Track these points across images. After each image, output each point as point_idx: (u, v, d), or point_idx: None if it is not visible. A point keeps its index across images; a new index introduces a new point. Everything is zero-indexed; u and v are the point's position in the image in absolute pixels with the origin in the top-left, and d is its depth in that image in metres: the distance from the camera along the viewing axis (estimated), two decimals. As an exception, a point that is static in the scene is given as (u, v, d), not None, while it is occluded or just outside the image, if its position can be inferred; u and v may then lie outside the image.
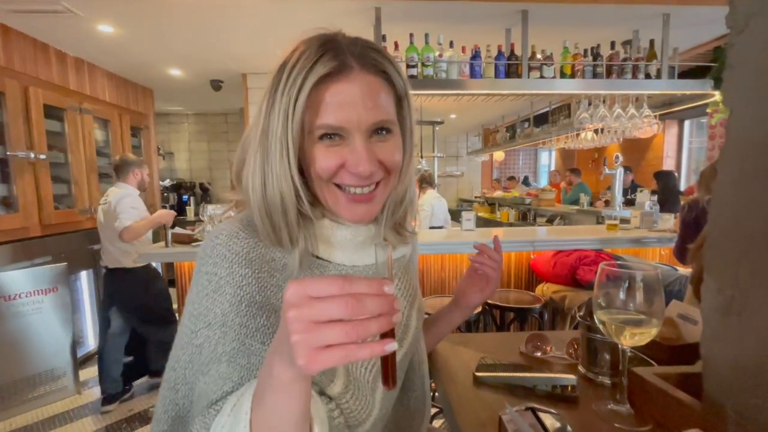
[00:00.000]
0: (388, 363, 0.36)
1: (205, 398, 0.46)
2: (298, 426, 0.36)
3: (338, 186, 0.51)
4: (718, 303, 0.50)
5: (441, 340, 0.79)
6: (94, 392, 2.50)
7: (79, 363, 2.67)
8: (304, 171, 0.51)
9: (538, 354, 0.77)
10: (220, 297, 0.48)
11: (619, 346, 0.54)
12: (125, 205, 2.19)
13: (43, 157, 2.47)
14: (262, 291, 0.49)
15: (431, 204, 3.27)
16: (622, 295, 0.53)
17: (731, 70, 0.50)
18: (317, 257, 0.54)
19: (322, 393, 0.48)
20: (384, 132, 0.50)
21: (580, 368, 0.70)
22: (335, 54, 0.47)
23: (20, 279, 2.26)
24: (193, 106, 5.20)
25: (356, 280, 0.30)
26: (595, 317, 0.55)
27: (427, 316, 0.78)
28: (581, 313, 0.69)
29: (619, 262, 2.04)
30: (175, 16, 2.34)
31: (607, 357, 0.66)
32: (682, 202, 1.95)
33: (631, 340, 0.52)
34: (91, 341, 2.97)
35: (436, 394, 1.62)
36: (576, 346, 0.75)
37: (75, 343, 2.51)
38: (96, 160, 3.00)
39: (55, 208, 2.61)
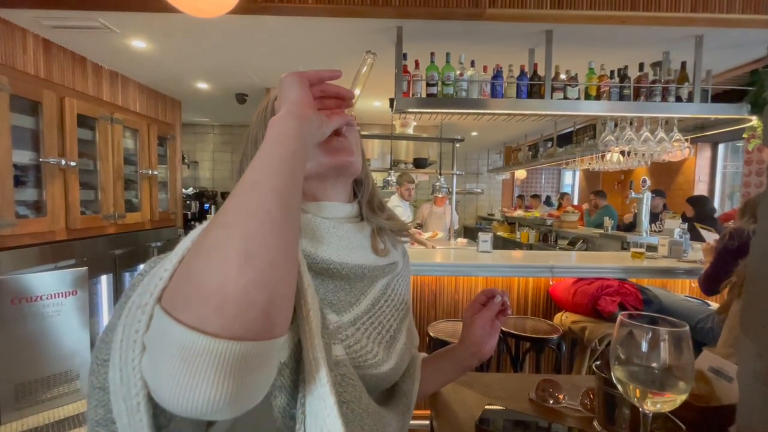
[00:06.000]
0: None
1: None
2: (292, 148, 0.39)
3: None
4: (758, 370, 0.44)
5: (446, 383, 0.72)
6: (105, 397, 2.53)
7: (94, 366, 2.72)
8: None
9: (550, 402, 0.71)
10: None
11: (640, 409, 0.48)
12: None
13: (73, 164, 2.57)
14: None
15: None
16: (643, 353, 0.47)
17: (773, 108, 0.45)
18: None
19: None
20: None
21: (596, 425, 0.63)
22: None
23: (43, 281, 2.31)
24: (218, 118, 5.37)
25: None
26: (612, 374, 0.50)
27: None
28: (597, 363, 0.63)
29: (643, 297, 1.93)
30: (204, 33, 2.42)
31: (627, 414, 0.60)
32: (726, 229, 1.82)
33: (653, 407, 0.46)
34: (106, 344, 3.02)
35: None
36: (592, 396, 0.68)
37: (91, 347, 2.56)
38: (123, 168, 3.11)
39: (81, 213, 2.70)
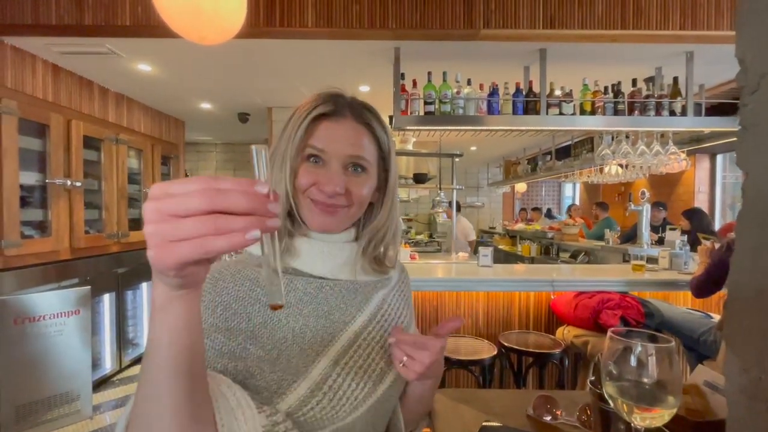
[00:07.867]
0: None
1: None
2: (178, 348, 0.33)
3: (311, 200, 0.58)
4: (743, 384, 0.45)
5: (420, 401, 0.67)
6: (106, 417, 2.50)
7: (94, 386, 2.70)
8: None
9: (548, 418, 0.71)
10: None
11: (632, 425, 0.49)
12: None
13: (78, 184, 2.61)
14: (240, 300, 0.54)
15: None
16: (632, 368, 0.48)
17: (745, 132, 0.47)
18: (295, 269, 0.59)
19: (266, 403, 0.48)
20: (359, 169, 0.59)
21: (593, 440, 0.64)
22: (335, 103, 0.59)
23: (46, 301, 2.34)
24: (221, 137, 5.46)
25: (222, 178, 0.28)
26: (604, 390, 0.51)
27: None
28: (592, 378, 0.64)
29: (646, 310, 1.92)
30: (207, 56, 2.50)
31: (622, 429, 0.60)
32: (725, 240, 1.83)
33: (643, 422, 0.47)
34: (108, 364, 3.01)
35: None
36: (589, 412, 0.69)
37: (92, 367, 2.55)
38: (127, 187, 3.16)
39: (85, 233, 2.73)
